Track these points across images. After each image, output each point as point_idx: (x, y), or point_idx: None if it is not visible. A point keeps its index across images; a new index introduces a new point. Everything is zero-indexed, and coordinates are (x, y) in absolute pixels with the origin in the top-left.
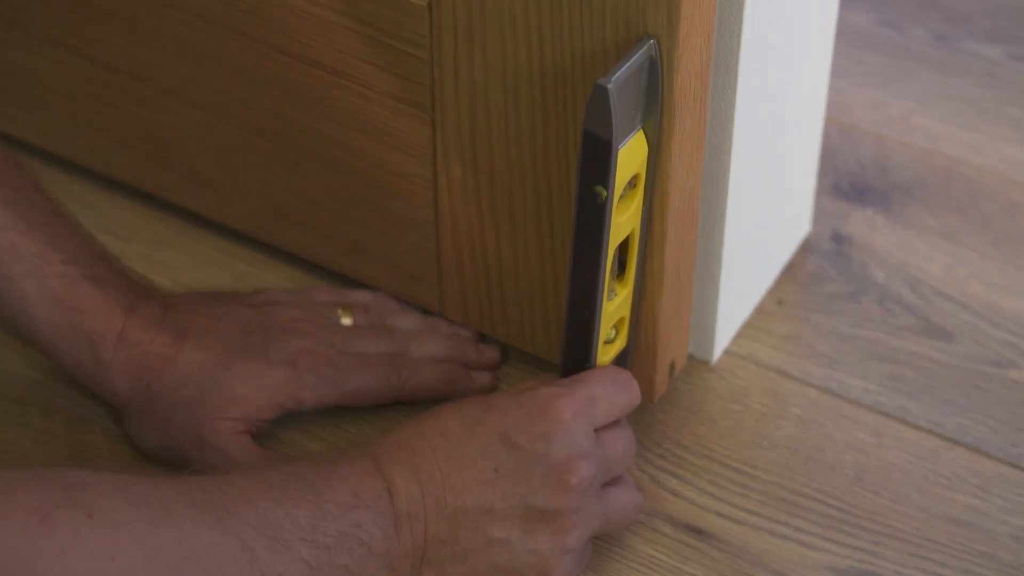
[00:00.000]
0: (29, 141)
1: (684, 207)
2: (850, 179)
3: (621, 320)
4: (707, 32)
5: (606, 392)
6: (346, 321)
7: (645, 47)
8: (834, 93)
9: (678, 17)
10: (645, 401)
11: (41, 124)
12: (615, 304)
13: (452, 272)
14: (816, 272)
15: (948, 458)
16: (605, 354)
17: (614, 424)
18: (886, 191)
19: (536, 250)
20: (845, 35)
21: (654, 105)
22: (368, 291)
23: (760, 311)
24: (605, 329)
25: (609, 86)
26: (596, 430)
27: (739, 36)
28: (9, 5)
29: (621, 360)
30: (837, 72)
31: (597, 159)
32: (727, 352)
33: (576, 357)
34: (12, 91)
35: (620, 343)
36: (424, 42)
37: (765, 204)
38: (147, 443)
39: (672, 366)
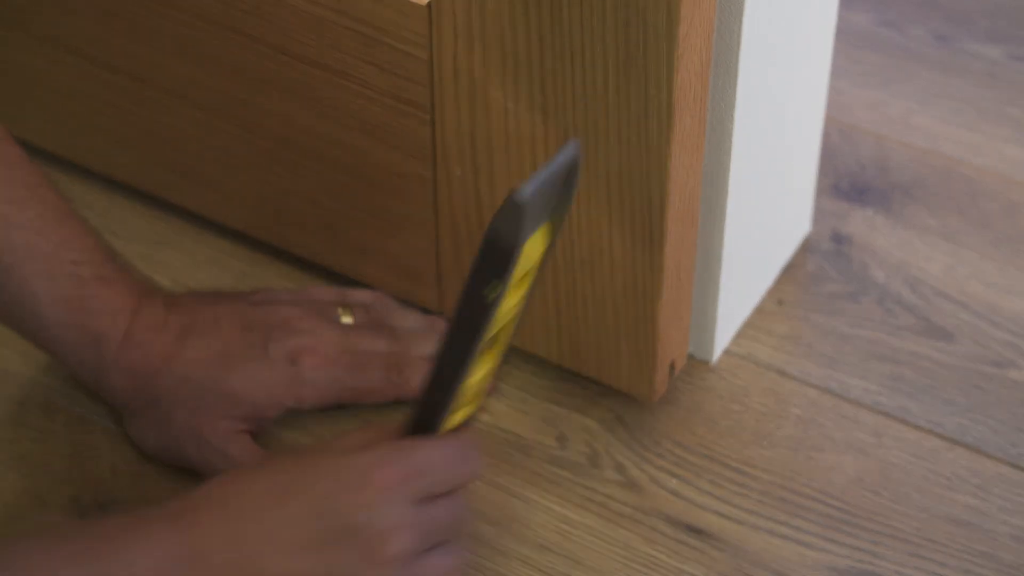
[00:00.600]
0: (29, 141)
1: (684, 207)
2: (850, 179)
3: (481, 388)
4: (707, 32)
5: (442, 463)
6: (346, 320)
7: (570, 154)
8: (834, 93)
9: (678, 17)
10: (645, 401)
11: (41, 124)
12: (479, 376)
13: (452, 272)
14: (816, 272)
15: (948, 458)
16: (455, 414)
17: (447, 493)
18: (886, 191)
19: None
20: (845, 35)
21: (567, 200)
22: (368, 290)
23: (760, 311)
24: (461, 400)
25: (523, 202)
26: (427, 499)
27: (739, 36)
28: (9, 5)
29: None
30: (837, 72)
31: (496, 263)
32: (727, 352)
33: (424, 423)
34: (12, 91)
35: (474, 406)
36: (424, 42)
37: (765, 204)
38: (147, 443)
39: (672, 366)
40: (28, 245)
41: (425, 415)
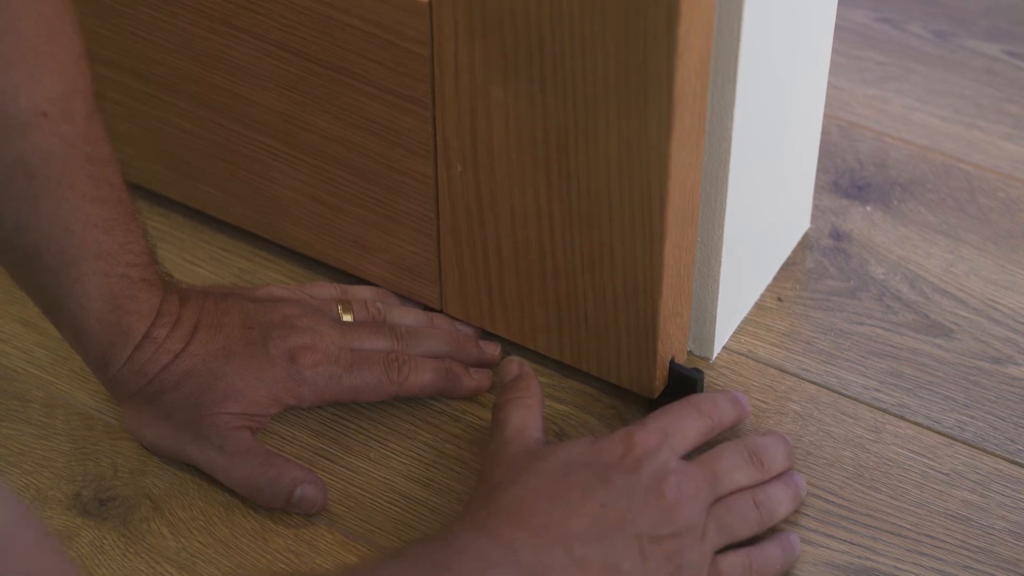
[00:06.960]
0: None
1: (684, 204)
2: (849, 176)
3: None
4: (707, 31)
5: (680, 422)
6: (346, 317)
7: None
8: (833, 90)
9: (678, 16)
10: (644, 397)
11: None
12: None
13: (452, 268)
14: (815, 268)
15: (947, 454)
16: None
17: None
18: (885, 187)
19: (536, 246)
20: (844, 32)
21: None
22: (368, 287)
23: (759, 307)
24: None
25: None
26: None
27: (738, 34)
28: None
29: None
30: (836, 69)
31: None
32: (726, 349)
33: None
34: None
35: None
36: (425, 39)
37: (765, 201)
38: (145, 437)
39: (672, 362)
40: (97, 243)
41: None
